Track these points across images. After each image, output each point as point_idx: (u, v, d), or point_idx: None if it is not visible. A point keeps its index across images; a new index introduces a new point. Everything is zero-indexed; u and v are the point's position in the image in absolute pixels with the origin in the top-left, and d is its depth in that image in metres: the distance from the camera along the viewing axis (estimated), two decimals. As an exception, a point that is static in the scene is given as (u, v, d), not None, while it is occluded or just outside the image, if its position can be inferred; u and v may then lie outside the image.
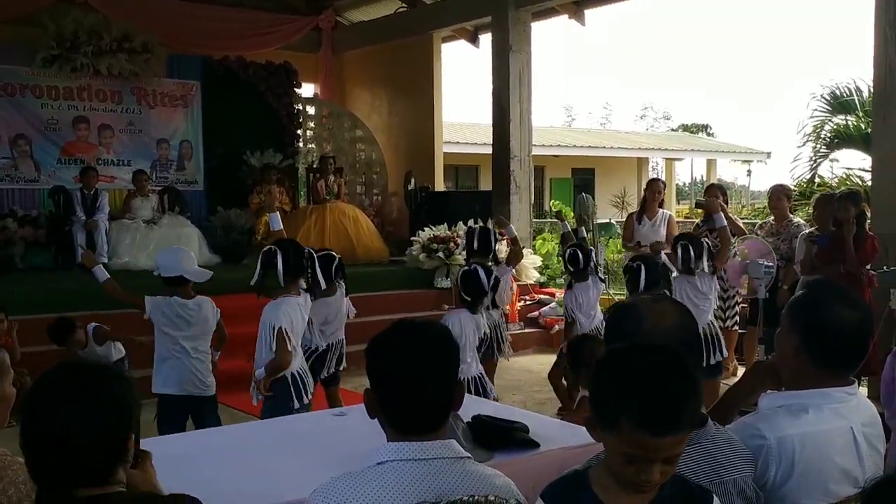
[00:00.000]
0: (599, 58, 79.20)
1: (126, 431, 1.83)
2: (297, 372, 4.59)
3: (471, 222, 10.39)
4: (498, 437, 2.90)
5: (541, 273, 11.22)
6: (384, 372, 1.96)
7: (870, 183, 8.16)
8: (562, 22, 12.03)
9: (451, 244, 10.15)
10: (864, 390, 6.49)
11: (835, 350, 2.25)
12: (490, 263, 6.24)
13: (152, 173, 11.78)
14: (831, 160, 11.60)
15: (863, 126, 10.51)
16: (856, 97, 10.92)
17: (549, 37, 65.09)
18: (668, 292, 5.79)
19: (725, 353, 6.58)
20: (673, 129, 37.81)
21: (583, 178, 24.69)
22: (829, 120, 11.29)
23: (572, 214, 15.63)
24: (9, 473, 2.19)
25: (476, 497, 1.41)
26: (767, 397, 2.35)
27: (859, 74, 11.49)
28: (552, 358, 6.94)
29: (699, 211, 9.05)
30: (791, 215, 8.18)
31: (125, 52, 11.21)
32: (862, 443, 2.25)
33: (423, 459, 1.87)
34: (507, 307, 8.51)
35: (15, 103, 11.16)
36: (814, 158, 11.41)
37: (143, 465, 2.19)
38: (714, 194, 8.36)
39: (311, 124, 14.08)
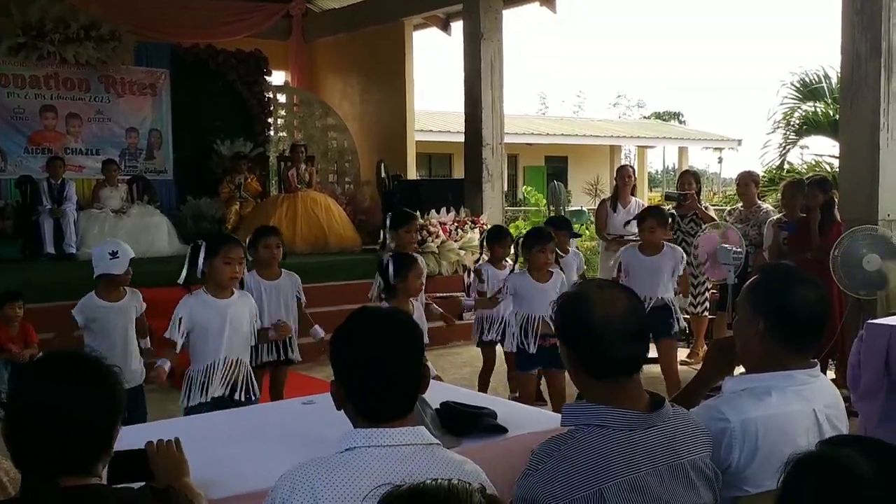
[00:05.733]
0: (572, 46, 79.34)
1: (115, 422, 1.85)
2: None
3: (443, 211, 10.45)
4: (466, 423, 2.90)
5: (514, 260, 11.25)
6: (350, 361, 1.98)
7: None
8: (533, 9, 12.05)
9: (424, 232, 10.13)
10: (830, 373, 6.58)
11: (800, 331, 2.29)
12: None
13: (121, 162, 11.64)
14: (801, 147, 11.72)
15: (831, 113, 10.61)
16: (825, 84, 11.03)
17: (521, 25, 65.11)
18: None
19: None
20: (645, 117, 37.95)
21: (556, 167, 24.74)
22: (799, 107, 11.39)
23: (545, 202, 15.73)
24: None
25: (440, 480, 1.42)
26: (731, 380, 2.37)
27: (828, 62, 11.59)
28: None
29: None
30: (760, 201, 8.24)
31: (92, 40, 11.05)
32: (825, 424, 2.27)
33: (392, 445, 1.89)
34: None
35: (-20, 92, 11.01)
36: (783, 145, 11.51)
37: (170, 452, 2.20)
38: (688, 181, 8.41)
39: (282, 112, 13.99)
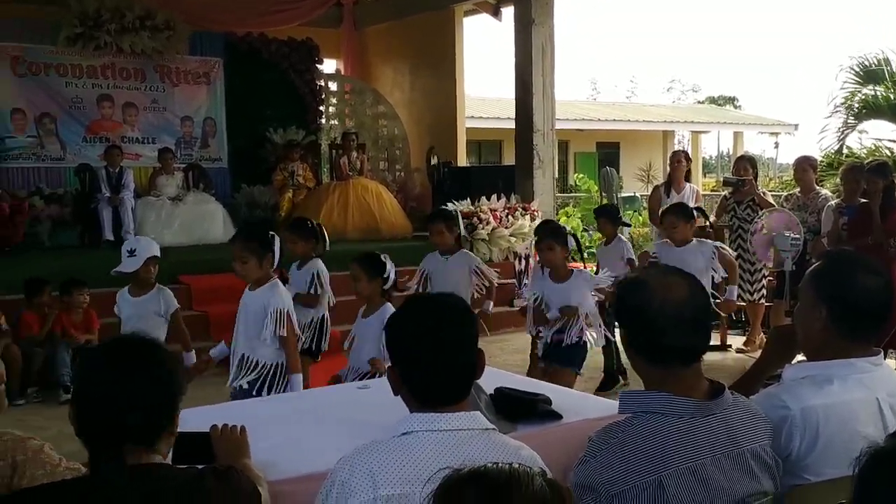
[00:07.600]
0: (624, 26, 78.44)
1: (175, 405, 1.91)
2: None
3: (494, 198, 10.42)
4: (521, 409, 2.90)
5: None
6: (406, 347, 2.00)
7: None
8: (585, -6, 11.92)
9: (475, 219, 10.12)
10: (892, 362, 6.43)
11: (862, 319, 2.23)
12: None
13: (177, 150, 11.80)
14: (859, 131, 11.48)
15: (892, 97, 10.37)
16: (884, 67, 10.79)
17: (572, 8, 64.52)
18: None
19: None
20: (700, 102, 37.42)
21: (607, 153, 24.53)
22: (859, 91, 11.15)
23: (596, 188, 15.60)
24: (41, 457, 2.24)
25: (501, 464, 1.42)
26: (792, 368, 2.33)
27: (889, 44, 11.33)
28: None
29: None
30: (818, 187, 8.08)
31: (148, 30, 11.21)
32: (888, 413, 2.22)
33: (449, 430, 1.91)
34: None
35: (40, 82, 11.22)
36: (842, 129, 11.28)
37: (232, 435, 2.28)
38: (743, 167, 8.28)
39: (334, 100, 14.07)
